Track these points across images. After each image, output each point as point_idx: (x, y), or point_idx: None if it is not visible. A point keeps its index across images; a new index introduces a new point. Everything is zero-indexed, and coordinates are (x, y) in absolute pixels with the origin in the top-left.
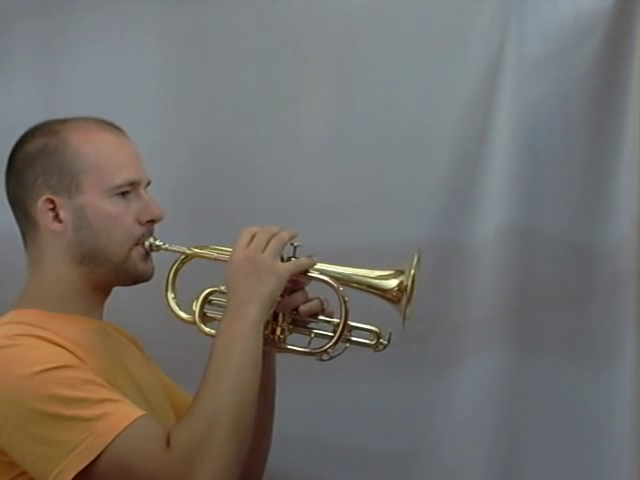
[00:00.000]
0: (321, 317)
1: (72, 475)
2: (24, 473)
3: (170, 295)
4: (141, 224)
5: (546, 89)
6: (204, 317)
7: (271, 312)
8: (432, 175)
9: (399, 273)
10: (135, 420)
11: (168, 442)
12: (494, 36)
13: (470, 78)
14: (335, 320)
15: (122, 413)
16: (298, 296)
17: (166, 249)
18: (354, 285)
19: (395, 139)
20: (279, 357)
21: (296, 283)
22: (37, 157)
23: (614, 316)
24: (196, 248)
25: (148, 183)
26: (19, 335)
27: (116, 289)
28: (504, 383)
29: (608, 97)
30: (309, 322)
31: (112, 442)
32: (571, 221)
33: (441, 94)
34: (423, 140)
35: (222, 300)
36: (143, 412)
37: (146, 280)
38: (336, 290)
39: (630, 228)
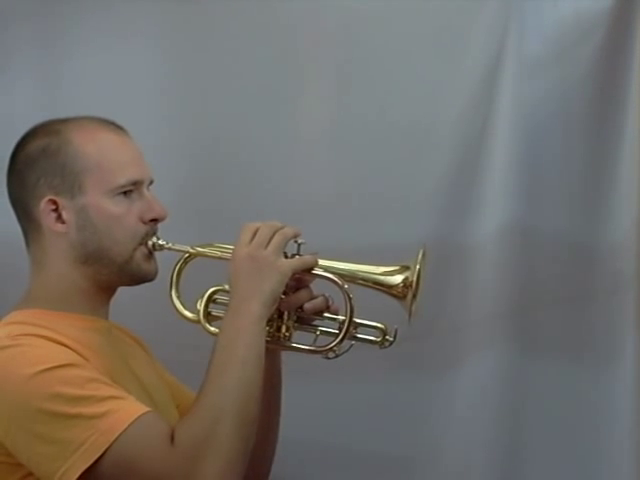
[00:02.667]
0: (326, 314)
1: (78, 474)
2: (30, 474)
3: (174, 294)
4: (144, 223)
5: (546, 89)
6: (209, 316)
7: (274, 309)
8: (432, 175)
9: (404, 269)
10: (139, 417)
11: (172, 439)
12: (494, 36)
13: (470, 78)
14: (340, 317)
15: (126, 410)
16: (303, 294)
17: (169, 248)
18: (359, 282)
19: (395, 139)
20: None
21: (300, 281)
22: (39, 157)
23: (614, 316)
24: (199, 247)
25: (151, 182)
26: (22, 335)
27: (120, 289)
28: (504, 383)
29: (608, 97)
30: (314, 320)
31: (116, 440)
32: (571, 221)
33: (441, 94)
34: (423, 140)
35: (226, 299)
36: (147, 409)
37: (150, 280)
38: (341, 287)
39: (630, 228)
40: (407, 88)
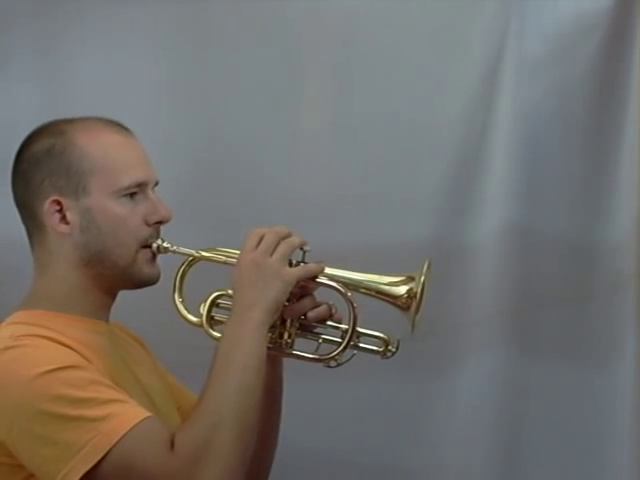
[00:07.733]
0: (329, 323)
1: (78, 476)
2: (32, 476)
3: (178, 298)
4: (148, 225)
5: (546, 89)
6: (212, 320)
7: (276, 316)
8: (432, 175)
9: (409, 280)
10: (140, 422)
11: (172, 444)
12: (494, 36)
13: (470, 78)
14: (343, 326)
15: (128, 414)
16: (306, 302)
17: (174, 251)
18: (363, 291)
19: (395, 139)
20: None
21: (304, 289)
22: (44, 158)
23: (614, 316)
24: (204, 251)
25: (156, 183)
26: (25, 336)
27: None
28: (504, 383)
29: (608, 97)
30: (317, 328)
31: (117, 443)
32: (571, 221)
33: (441, 94)
34: (423, 140)
35: (229, 303)
36: (148, 414)
37: (152, 284)
38: (344, 296)
39: (630, 228)
40: (407, 88)
